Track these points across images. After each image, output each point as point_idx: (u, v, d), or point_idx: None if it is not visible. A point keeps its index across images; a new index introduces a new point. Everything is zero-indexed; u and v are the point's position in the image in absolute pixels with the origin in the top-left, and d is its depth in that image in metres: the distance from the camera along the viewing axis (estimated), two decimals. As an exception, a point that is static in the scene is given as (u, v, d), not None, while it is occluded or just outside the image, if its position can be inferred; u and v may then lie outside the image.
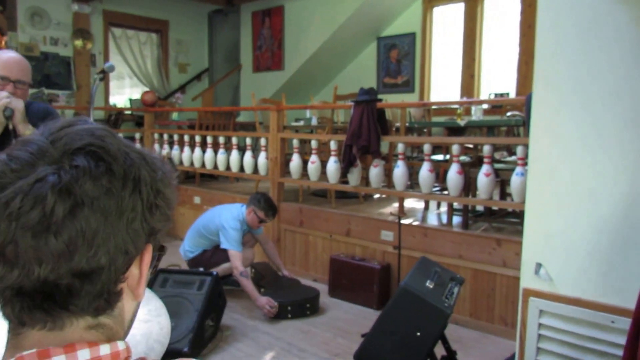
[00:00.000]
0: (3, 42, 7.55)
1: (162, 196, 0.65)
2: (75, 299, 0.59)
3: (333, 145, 4.71)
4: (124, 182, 0.60)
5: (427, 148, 4.16)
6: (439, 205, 4.89)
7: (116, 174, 0.59)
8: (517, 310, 2.34)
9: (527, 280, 2.28)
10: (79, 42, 8.02)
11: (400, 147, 4.37)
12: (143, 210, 0.61)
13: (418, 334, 2.55)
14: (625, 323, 1.85)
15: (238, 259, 3.95)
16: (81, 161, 0.58)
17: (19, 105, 2.12)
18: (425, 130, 5.75)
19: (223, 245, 4.08)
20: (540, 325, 2.19)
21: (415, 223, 4.22)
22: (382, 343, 2.64)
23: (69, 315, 0.60)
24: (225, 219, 4.13)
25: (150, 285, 3.48)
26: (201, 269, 3.87)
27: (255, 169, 5.53)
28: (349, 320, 3.87)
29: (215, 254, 4.22)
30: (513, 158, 4.13)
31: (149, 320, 1.07)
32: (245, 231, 4.20)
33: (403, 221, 4.08)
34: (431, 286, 2.71)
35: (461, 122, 4.32)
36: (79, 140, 0.60)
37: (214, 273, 3.57)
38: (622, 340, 1.83)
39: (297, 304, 3.90)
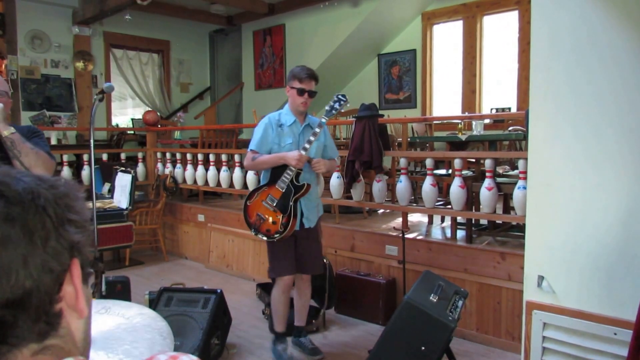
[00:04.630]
0: (3, 66, 7.62)
1: (72, 209, 0.64)
2: (12, 330, 0.58)
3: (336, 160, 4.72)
4: (22, 205, 0.59)
5: (429, 163, 4.19)
6: (442, 220, 4.90)
7: (11, 199, 0.59)
8: (522, 323, 2.34)
9: (530, 293, 2.29)
10: (80, 64, 8.09)
11: (402, 162, 4.40)
12: (55, 227, 0.61)
13: (423, 348, 2.55)
14: (627, 335, 1.85)
15: (247, 159, 3.38)
16: None
17: None
18: (427, 145, 5.78)
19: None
20: (544, 338, 2.19)
21: (420, 237, 4.23)
22: (387, 358, 2.64)
23: (10, 348, 0.58)
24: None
25: (155, 304, 3.48)
26: (205, 287, 3.85)
27: (259, 186, 5.54)
28: (355, 336, 3.87)
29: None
30: (515, 172, 4.15)
31: (149, 331, 1.08)
32: (294, 128, 3.41)
33: (407, 236, 4.08)
34: (435, 300, 2.71)
35: (462, 137, 4.34)
36: None
37: (219, 291, 3.56)
38: (625, 352, 1.83)
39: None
